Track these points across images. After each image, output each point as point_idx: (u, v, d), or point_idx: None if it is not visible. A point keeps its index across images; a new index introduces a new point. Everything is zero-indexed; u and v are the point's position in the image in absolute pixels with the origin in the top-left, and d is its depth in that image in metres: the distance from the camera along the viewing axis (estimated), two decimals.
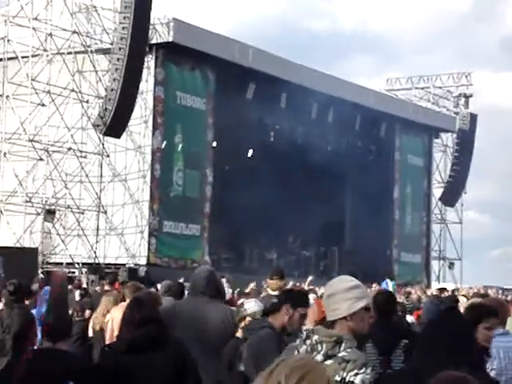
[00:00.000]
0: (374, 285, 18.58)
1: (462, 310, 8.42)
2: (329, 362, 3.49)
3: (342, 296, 3.75)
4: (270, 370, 2.44)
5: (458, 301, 9.13)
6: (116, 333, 8.73)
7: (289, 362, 2.45)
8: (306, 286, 16.53)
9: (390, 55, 75.39)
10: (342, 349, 3.53)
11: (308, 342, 3.58)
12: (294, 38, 67.74)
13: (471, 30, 71.99)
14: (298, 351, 3.58)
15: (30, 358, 4.77)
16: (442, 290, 18.12)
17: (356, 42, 73.41)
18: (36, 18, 23.50)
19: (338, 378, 3.45)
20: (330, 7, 73.56)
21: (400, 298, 13.47)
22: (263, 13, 70.18)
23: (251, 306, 5.80)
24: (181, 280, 12.10)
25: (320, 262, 31.33)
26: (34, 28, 23.43)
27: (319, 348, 3.53)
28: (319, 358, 3.51)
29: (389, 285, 19.56)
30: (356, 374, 3.46)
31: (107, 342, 8.82)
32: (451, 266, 37.13)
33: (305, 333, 3.72)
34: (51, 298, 5.04)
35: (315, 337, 3.57)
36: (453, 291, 17.63)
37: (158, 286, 14.76)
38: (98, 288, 17.29)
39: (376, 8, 73.55)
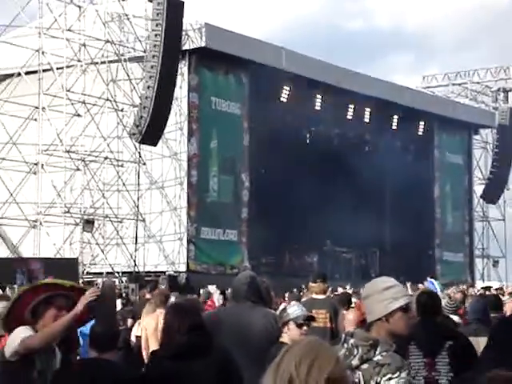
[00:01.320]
0: (420, 285, 18.21)
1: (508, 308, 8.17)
2: (364, 366, 3.44)
3: (377, 297, 3.68)
4: (278, 362, 2.38)
5: (501, 299, 8.88)
6: (150, 341, 8.76)
7: (295, 349, 2.39)
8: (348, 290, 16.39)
9: (426, 52, 74.84)
10: (377, 352, 3.46)
11: (345, 345, 3.51)
12: (329, 39, 67.63)
13: (509, 24, 71.10)
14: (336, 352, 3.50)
15: (78, 370, 4.73)
16: (487, 288, 17.76)
17: (392, 39, 73.02)
18: (69, 29, 23.66)
19: (372, 383, 3.40)
20: (364, 5, 73.23)
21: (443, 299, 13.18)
22: (296, 14, 70.15)
23: (294, 310, 5.68)
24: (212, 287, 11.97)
25: (361, 264, 31.04)
26: (67, 39, 23.58)
27: (355, 352, 3.47)
28: (355, 362, 3.45)
29: (435, 284, 19.13)
30: (390, 379, 3.40)
31: (143, 350, 8.80)
32: (495, 263, 36.54)
33: (343, 336, 3.68)
34: (100, 308, 4.95)
35: (351, 340, 3.51)
36: (497, 289, 17.26)
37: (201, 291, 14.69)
38: (137, 297, 17.27)
39: (411, 5, 73.02)
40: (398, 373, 3.40)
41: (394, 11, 74.07)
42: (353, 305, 10.60)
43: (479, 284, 30.48)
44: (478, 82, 37.49)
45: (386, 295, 3.67)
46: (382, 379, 3.40)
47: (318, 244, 29.40)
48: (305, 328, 5.51)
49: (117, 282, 22.68)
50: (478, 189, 36.49)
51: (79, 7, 24.05)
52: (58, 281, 5.25)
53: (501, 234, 37.14)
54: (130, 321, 11.61)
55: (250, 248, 26.03)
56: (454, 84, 37.66)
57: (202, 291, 15.08)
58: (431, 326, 5.32)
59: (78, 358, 6.08)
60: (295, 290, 17.96)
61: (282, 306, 8.47)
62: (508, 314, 6.18)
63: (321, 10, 71.34)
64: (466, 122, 34.62)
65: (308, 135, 30.31)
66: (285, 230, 27.57)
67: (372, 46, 75.26)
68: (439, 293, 14.18)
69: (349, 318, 6.62)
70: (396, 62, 73.26)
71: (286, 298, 14.74)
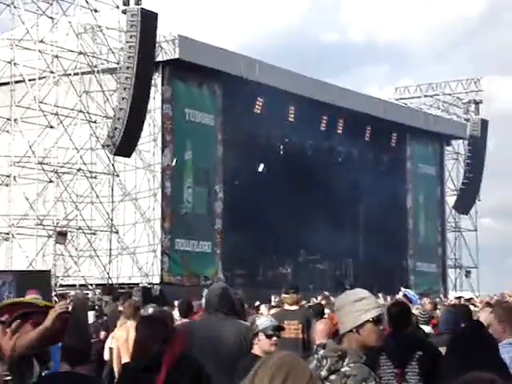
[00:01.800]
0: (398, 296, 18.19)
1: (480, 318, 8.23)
2: (332, 376, 3.48)
3: (348, 309, 3.72)
4: (251, 377, 2.38)
5: (470, 310, 8.96)
6: (121, 352, 8.74)
7: (269, 363, 2.40)
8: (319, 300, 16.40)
9: (400, 64, 75.42)
10: (345, 363, 3.50)
11: (316, 356, 3.57)
12: (304, 51, 67.86)
13: (481, 37, 72.01)
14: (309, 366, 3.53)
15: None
16: (459, 298, 17.93)
17: (366, 52, 73.50)
18: (42, 41, 23.54)
19: None
20: (339, 18, 73.73)
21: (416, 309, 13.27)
22: (271, 27, 70.37)
23: (263, 321, 5.69)
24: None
25: (335, 275, 31.14)
26: (40, 50, 23.46)
27: (324, 363, 3.51)
28: (323, 373, 3.49)
29: (412, 294, 19.11)
30: None
31: (115, 362, 8.79)
32: (468, 274, 36.82)
33: (315, 347, 3.77)
34: (72, 321, 4.93)
35: (321, 351, 3.53)
36: (467, 300, 17.39)
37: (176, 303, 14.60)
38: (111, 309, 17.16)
39: (385, 18, 73.65)
40: (363, 383, 3.42)
41: (369, 25, 74.69)
42: (325, 315, 10.66)
43: (452, 294, 30.71)
44: (449, 94, 37.83)
45: (356, 307, 3.70)
46: None
47: (292, 255, 29.46)
48: (274, 338, 5.52)
49: (90, 295, 22.56)
50: (450, 200, 36.79)
51: (52, 19, 23.95)
52: (33, 300, 5.26)
53: (473, 245, 37.49)
54: (103, 333, 11.55)
55: (224, 259, 26.02)
56: (426, 95, 37.97)
57: (176, 302, 14.93)
58: (401, 337, 5.36)
59: (47, 371, 6.04)
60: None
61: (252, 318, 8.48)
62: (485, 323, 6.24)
63: (296, 23, 71.71)
64: (438, 133, 34.94)
65: (282, 146, 30.42)
66: (259, 241, 27.61)
67: (347, 58, 75.82)
68: (417, 303, 14.23)
69: (318, 328, 6.62)
70: (370, 74, 73.82)
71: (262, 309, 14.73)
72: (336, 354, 3.52)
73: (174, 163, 24.81)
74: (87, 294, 22.70)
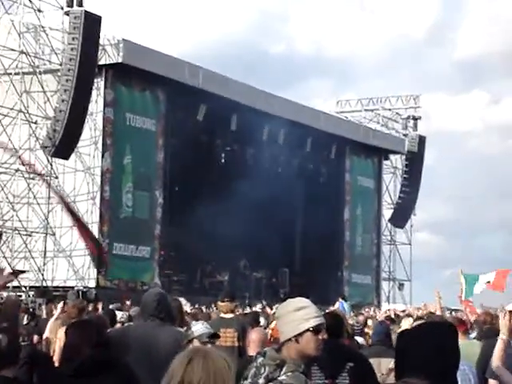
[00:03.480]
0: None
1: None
2: None
3: (288, 318, 3.76)
4: (170, 372, 2.45)
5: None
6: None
7: (193, 375, 2.44)
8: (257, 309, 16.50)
9: (344, 78, 76.16)
10: (282, 372, 3.54)
11: (254, 364, 3.60)
12: (250, 61, 67.94)
13: (423, 56, 73.29)
14: (248, 374, 3.58)
15: None
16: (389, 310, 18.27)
17: (312, 64, 73.92)
18: None
19: None
20: (286, 31, 74.03)
21: (351, 320, 13.50)
22: (218, 35, 70.35)
23: (198, 328, 5.70)
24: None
25: (271, 283, 31.30)
26: None
27: (262, 371, 3.53)
28: (261, 381, 3.54)
29: (345, 306, 19.35)
30: None
31: (56, 363, 8.68)
32: (401, 287, 37.41)
33: (255, 355, 3.77)
34: None
35: (260, 359, 3.56)
36: (402, 312, 17.72)
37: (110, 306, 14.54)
38: (44, 312, 16.98)
39: (332, 33, 74.28)
40: None
41: (316, 38, 75.21)
42: (261, 324, 10.77)
43: (385, 306, 31.12)
44: (389, 109, 38.42)
45: (296, 316, 3.73)
46: None
47: (229, 263, 29.50)
48: (209, 346, 5.54)
49: (23, 297, 22.24)
50: (387, 213, 37.34)
51: None
52: None
53: (407, 258, 38.10)
54: (36, 337, 11.44)
55: (161, 265, 25.94)
56: (366, 110, 38.49)
57: (111, 306, 14.87)
58: (334, 347, 5.44)
59: None
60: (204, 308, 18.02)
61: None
62: None
63: (243, 32, 71.81)
64: (377, 147, 35.45)
65: (223, 155, 30.49)
66: (197, 248, 27.59)
67: (292, 70, 76.13)
68: (347, 314, 14.47)
69: (251, 337, 6.62)
70: (315, 86, 74.28)
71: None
72: (274, 362, 3.55)
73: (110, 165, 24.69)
74: (20, 295, 22.38)
